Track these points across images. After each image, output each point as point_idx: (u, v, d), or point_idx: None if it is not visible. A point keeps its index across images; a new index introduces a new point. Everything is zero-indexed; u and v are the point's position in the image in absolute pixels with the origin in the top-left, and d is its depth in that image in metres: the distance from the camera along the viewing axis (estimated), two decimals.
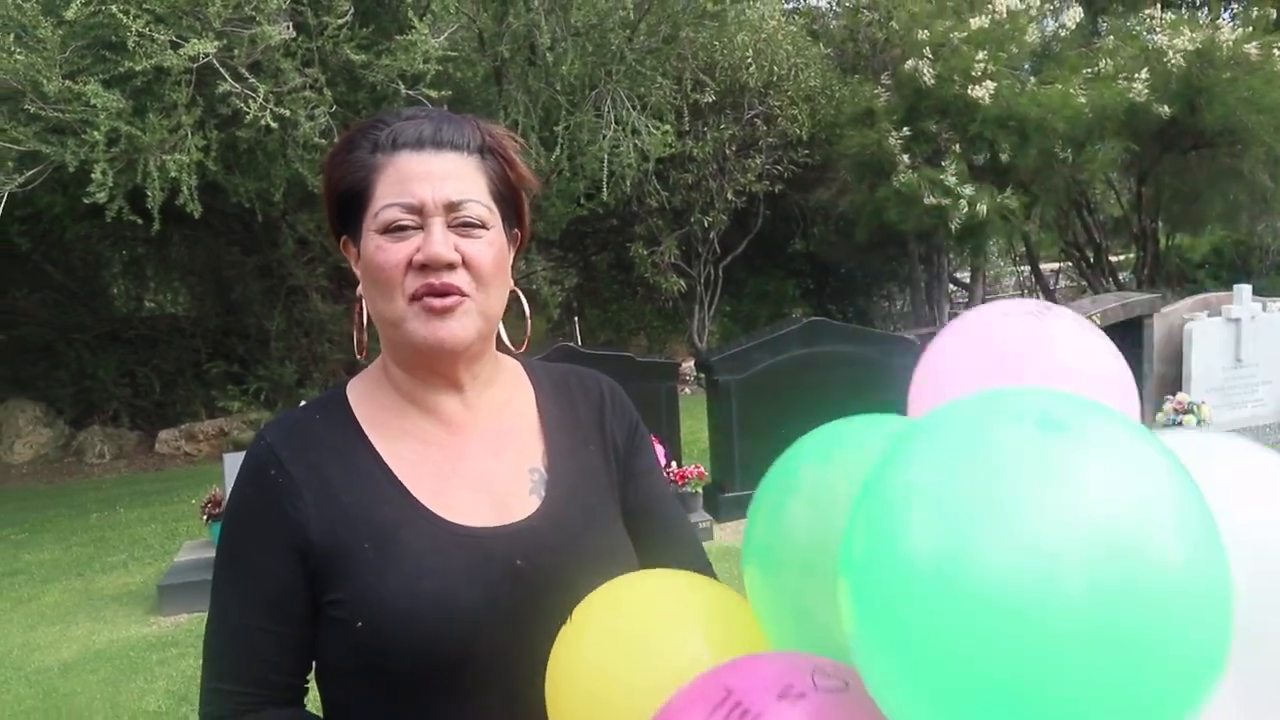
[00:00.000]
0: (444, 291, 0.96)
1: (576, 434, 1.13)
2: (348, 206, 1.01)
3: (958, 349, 0.91)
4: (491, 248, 1.00)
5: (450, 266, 0.96)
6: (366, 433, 1.03)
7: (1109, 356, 0.86)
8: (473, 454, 1.05)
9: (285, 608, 0.99)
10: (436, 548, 0.98)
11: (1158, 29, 11.30)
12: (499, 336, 1.09)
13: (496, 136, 1.03)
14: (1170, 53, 10.75)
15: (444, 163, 0.98)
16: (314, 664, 1.04)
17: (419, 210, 0.96)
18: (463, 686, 0.97)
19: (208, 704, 1.01)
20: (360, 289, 1.04)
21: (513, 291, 1.07)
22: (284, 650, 1.00)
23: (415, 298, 0.97)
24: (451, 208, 0.97)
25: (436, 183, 0.97)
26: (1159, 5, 12.11)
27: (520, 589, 0.99)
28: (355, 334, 1.07)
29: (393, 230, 0.96)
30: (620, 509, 1.13)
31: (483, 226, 0.99)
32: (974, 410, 0.66)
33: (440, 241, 0.96)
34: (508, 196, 1.04)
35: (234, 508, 1.03)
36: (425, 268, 0.96)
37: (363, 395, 1.07)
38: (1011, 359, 0.85)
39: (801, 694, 0.71)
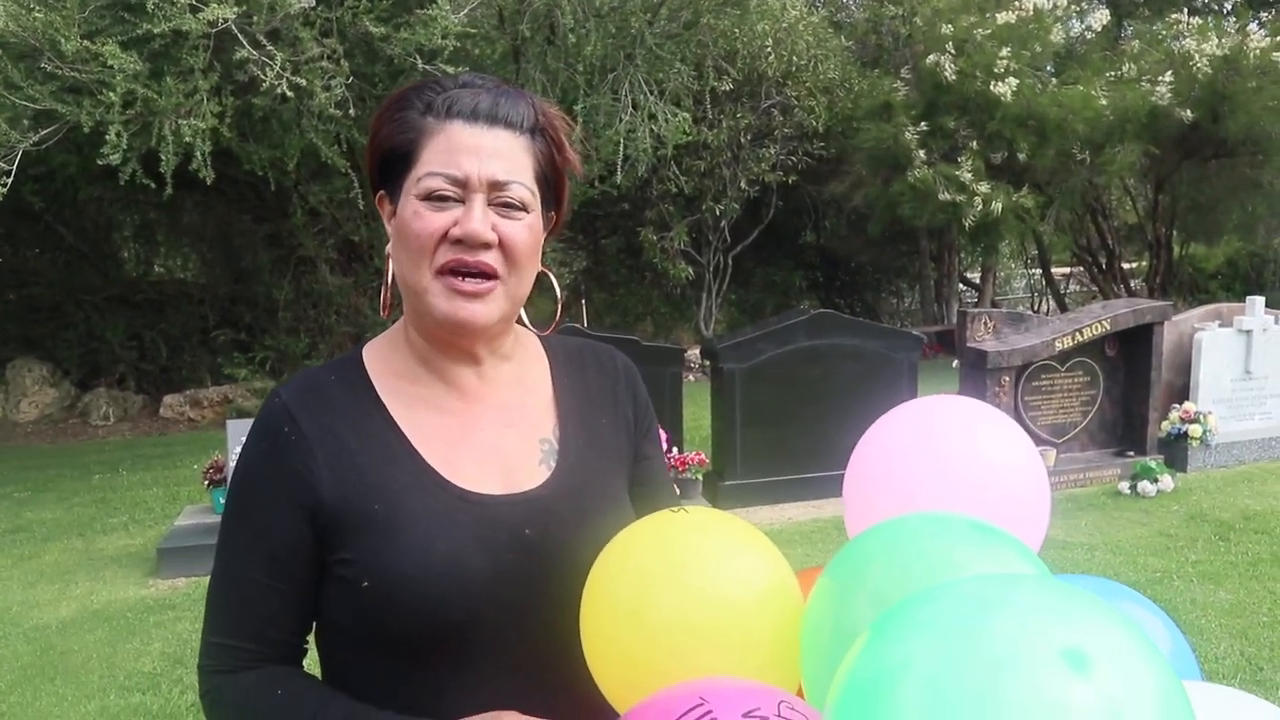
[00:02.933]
0: (476, 269, 0.97)
1: (589, 407, 1.13)
2: (391, 165, 1.00)
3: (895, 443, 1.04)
4: (529, 231, 1.00)
5: (486, 246, 0.96)
6: (381, 396, 1.04)
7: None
8: (486, 424, 1.06)
9: (289, 565, 0.99)
10: (446, 512, 0.99)
11: (1185, 34, 11.17)
12: (520, 317, 1.09)
13: (550, 117, 1.03)
14: (1197, 57, 10.63)
15: (495, 139, 0.97)
16: (314, 625, 1.05)
17: (462, 184, 0.96)
18: (466, 651, 0.98)
19: (207, 657, 1.02)
20: (390, 248, 1.04)
21: (540, 272, 1.07)
22: (285, 608, 1.00)
23: (443, 271, 0.97)
24: (495, 186, 0.97)
25: (484, 159, 0.96)
26: (1186, 10, 11.98)
27: (527, 557, 1.00)
28: (383, 292, 1.08)
29: (433, 199, 0.96)
30: (627, 483, 1.14)
31: (523, 209, 0.99)
32: (992, 630, 0.62)
33: (479, 219, 0.96)
34: (551, 179, 1.03)
35: (245, 463, 1.03)
36: (460, 242, 0.96)
37: (379, 358, 1.07)
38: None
39: (765, 718, 0.76)
